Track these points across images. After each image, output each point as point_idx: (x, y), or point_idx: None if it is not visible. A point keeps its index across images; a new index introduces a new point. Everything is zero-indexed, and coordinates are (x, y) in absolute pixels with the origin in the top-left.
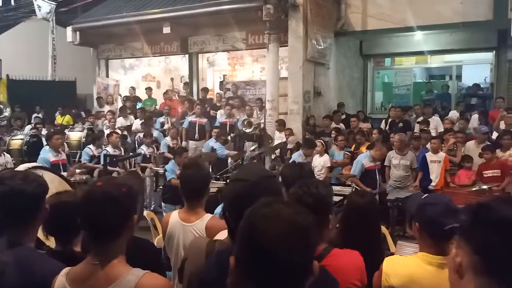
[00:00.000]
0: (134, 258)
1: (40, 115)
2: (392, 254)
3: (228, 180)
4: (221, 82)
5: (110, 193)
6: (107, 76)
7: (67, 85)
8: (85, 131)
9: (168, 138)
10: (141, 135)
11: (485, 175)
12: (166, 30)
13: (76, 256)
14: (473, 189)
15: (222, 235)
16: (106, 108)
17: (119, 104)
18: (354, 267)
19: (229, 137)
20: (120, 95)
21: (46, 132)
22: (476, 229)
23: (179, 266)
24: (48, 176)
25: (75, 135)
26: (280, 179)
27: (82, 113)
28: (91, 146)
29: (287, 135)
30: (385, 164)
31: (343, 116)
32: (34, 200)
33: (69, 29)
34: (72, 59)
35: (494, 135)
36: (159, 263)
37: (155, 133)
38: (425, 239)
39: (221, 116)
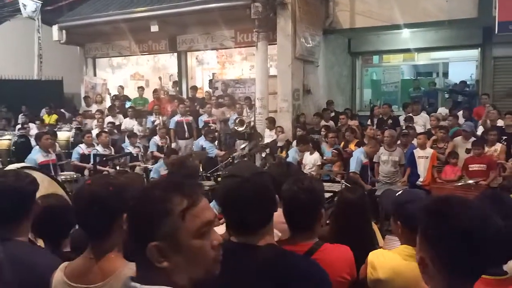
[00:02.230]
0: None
1: (26, 114)
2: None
3: (219, 179)
4: (210, 81)
5: (96, 193)
6: (95, 75)
7: (53, 85)
8: (73, 130)
9: (157, 138)
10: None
11: (470, 169)
12: (154, 28)
13: (66, 258)
14: (459, 184)
15: (221, 229)
16: (94, 107)
17: (108, 103)
18: (343, 261)
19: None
20: (109, 93)
21: (37, 132)
22: (430, 227)
23: None
24: (38, 176)
25: (63, 135)
26: None
27: (66, 113)
28: (82, 145)
29: (279, 132)
30: (374, 160)
31: (332, 114)
32: (26, 196)
33: (55, 28)
34: (58, 58)
35: (480, 130)
36: None
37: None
38: (407, 235)
39: (204, 115)
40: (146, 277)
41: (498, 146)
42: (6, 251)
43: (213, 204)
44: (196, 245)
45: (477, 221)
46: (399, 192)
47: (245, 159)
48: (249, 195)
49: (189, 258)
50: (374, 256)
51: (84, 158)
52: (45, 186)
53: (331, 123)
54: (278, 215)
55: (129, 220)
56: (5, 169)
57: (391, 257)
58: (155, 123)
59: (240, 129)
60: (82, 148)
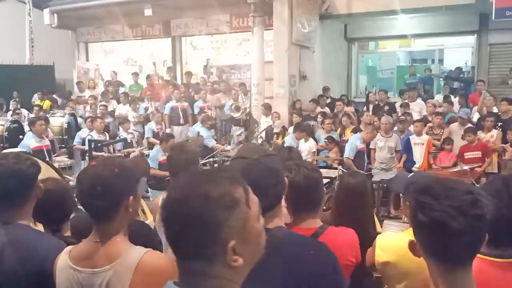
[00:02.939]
0: (131, 240)
1: (18, 100)
2: (379, 233)
3: (215, 165)
4: (205, 66)
5: (100, 174)
6: (87, 60)
7: (45, 70)
8: (67, 116)
9: (152, 123)
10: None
11: (466, 157)
12: (148, 12)
13: (66, 242)
14: (455, 169)
15: None
16: (87, 93)
17: (101, 88)
18: (349, 245)
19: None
20: (103, 79)
21: (31, 117)
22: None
23: None
24: None
25: (57, 120)
26: None
27: (59, 99)
28: (85, 129)
29: (275, 118)
30: (370, 147)
31: (328, 100)
32: (29, 179)
33: (46, 11)
34: (50, 43)
35: (475, 117)
36: (155, 243)
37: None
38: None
39: (199, 101)
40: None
41: (494, 133)
42: (9, 235)
43: None
44: (260, 229)
45: (453, 211)
46: (411, 174)
47: (241, 145)
48: (259, 177)
49: (255, 245)
50: (382, 239)
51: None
52: (42, 171)
53: (327, 109)
54: None
55: (191, 229)
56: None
57: (400, 239)
58: (148, 110)
59: (236, 115)
60: (84, 133)
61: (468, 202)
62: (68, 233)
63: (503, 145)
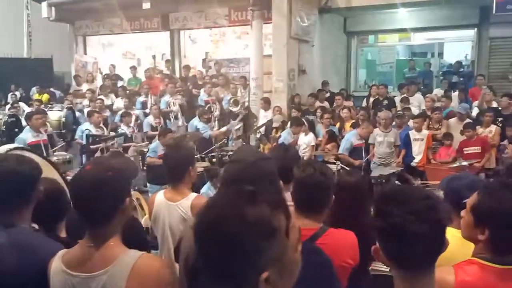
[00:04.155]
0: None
1: (17, 93)
2: None
3: (213, 160)
4: (203, 60)
5: (98, 178)
6: (85, 53)
7: (43, 63)
8: (65, 110)
9: (150, 117)
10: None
11: (465, 152)
12: (146, 5)
13: (61, 242)
14: (454, 165)
15: None
16: (85, 86)
17: (99, 82)
18: (348, 247)
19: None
20: (101, 72)
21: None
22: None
23: (175, 246)
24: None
25: (55, 114)
26: None
27: (57, 92)
28: (86, 123)
29: (276, 112)
30: (369, 142)
31: (328, 94)
32: (30, 181)
33: (44, 4)
34: (48, 36)
35: (475, 112)
36: (142, 238)
37: (136, 112)
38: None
39: (203, 94)
40: None
41: (493, 128)
42: (9, 238)
43: (208, 185)
44: (296, 259)
45: (410, 217)
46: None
47: (240, 140)
48: (254, 180)
49: (290, 275)
50: None
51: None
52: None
53: (326, 103)
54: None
55: (226, 253)
56: None
57: None
58: (146, 104)
59: (235, 109)
60: (86, 127)
61: (425, 207)
62: (63, 233)
63: (502, 142)
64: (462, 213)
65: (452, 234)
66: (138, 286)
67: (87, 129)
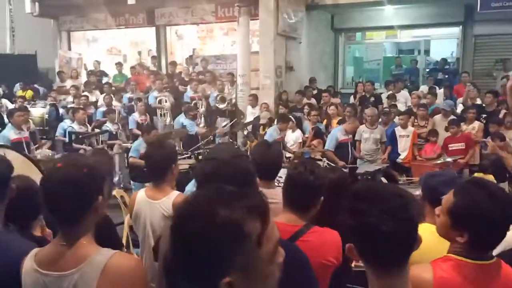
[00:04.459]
0: None
1: (0, 90)
2: None
3: (199, 157)
4: (190, 56)
5: (69, 176)
6: (69, 49)
7: (27, 59)
8: (48, 107)
9: (136, 114)
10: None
11: (450, 148)
12: (131, 0)
13: (35, 241)
14: (439, 161)
15: None
16: (69, 82)
17: (84, 78)
18: (331, 245)
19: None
20: (86, 69)
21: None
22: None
23: (153, 245)
24: (11, 155)
25: (38, 111)
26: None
27: (41, 89)
28: (67, 121)
29: (264, 109)
30: (356, 138)
31: (315, 91)
32: (1, 181)
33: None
34: (31, 31)
35: (459, 108)
36: (115, 237)
37: (118, 108)
38: (427, 208)
39: (189, 91)
40: None
41: (476, 124)
42: None
43: (193, 183)
44: (270, 272)
45: (382, 215)
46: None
47: (227, 137)
48: (228, 178)
49: (261, 286)
50: None
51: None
52: (18, 165)
53: (313, 100)
54: (272, 193)
55: (188, 250)
56: None
57: None
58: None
59: (222, 106)
60: (67, 125)
61: (397, 206)
62: (38, 231)
63: (484, 139)
64: (437, 211)
65: (429, 230)
66: (110, 285)
67: (70, 126)
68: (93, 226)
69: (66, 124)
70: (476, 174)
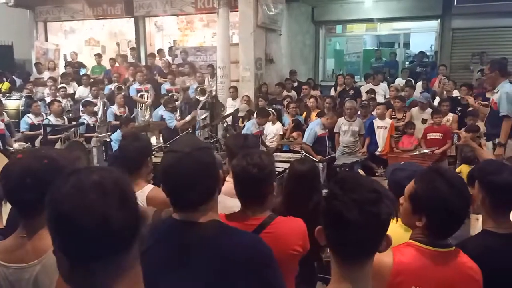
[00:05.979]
0: None
1: None
2: None
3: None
4: (170, 48)
5: (28, 167)
6: (46, 40)
7: (3, 50)
8: (23, 99)
9: (114, 107)
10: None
11: (428, 137)
12: None
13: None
14: (415, 153)
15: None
16: (46, 74)
17: (61, 70)
18: (296, 234)
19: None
20: (65, 60)
21: None
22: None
23: None
24: None
25: (13, 103)
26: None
27: (18, 80)
28: (30, 114)
29: (244, 101)
30: (334, 131)
31: (295, 84)
32: None
33: None
34: (7, 22)
35: (436, 101)
36: None
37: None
38: None
39: (167, 83)
40: None
41: (450, 116)
42: None
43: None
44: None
45: (351, 204)
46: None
47: (206, 129)
48: (188, 171)
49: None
50: None
51: (34, 128)
52: None
53: (293, 93)
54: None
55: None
56: None
57: None
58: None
59: (201, 98)
60: (31, 118)
61: (368, 198)
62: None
63: (457, 130)
64: (401, 200)
65: (395, 222)
66: None
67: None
68: None
69: (30, 118)
70: (462, 166)
